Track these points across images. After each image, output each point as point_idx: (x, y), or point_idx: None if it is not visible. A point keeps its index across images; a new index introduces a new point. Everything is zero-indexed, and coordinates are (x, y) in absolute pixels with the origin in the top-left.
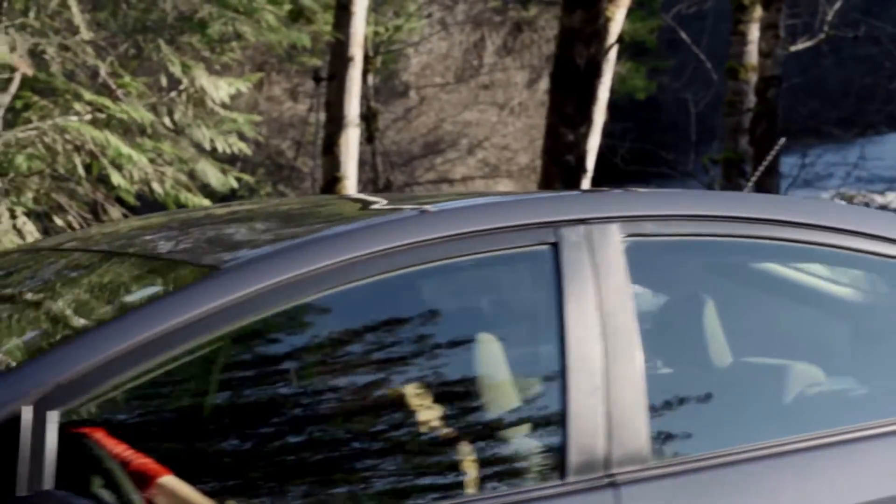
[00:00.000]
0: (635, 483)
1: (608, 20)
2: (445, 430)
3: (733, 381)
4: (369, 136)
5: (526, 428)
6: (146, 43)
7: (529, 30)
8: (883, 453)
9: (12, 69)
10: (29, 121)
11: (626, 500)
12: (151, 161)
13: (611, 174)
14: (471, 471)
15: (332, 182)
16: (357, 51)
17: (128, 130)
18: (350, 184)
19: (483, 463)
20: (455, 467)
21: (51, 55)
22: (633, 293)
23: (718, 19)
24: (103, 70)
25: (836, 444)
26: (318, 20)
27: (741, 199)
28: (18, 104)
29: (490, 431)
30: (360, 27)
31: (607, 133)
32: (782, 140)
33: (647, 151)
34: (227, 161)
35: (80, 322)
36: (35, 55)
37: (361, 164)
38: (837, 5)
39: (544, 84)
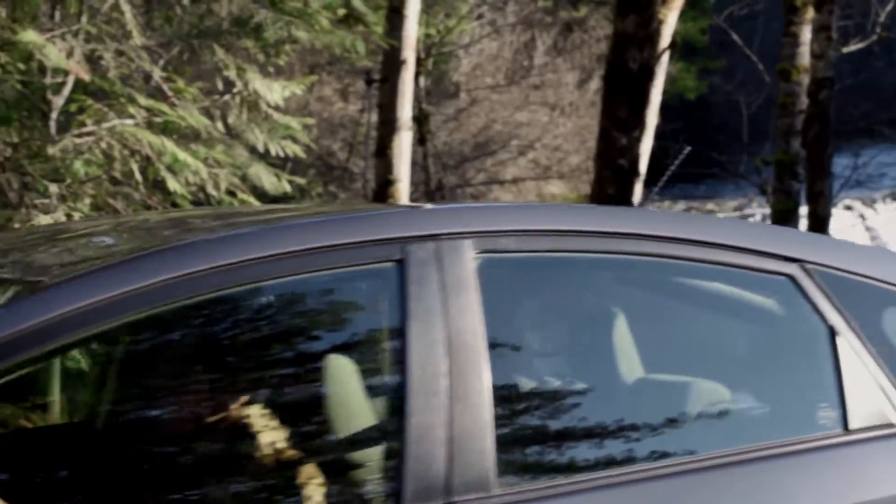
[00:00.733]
0: None
1: (661, 23)
2: (288, 452)
3: (598, 403)
4: (421, 138)
5: (366, 452)
6: (201, 49)
7: (580, 30)
8: (776, 476)
9: (66, 73)
10: (83, 124)
11: None
12: (206, 165)
13: (661, 175)
14: (314, 494)
15: (384, 185)
16: (409, 54)
17: (183, 136)
18: (402, 187)
19: (324, 486)
20: (297, 490)
21: (107, 60)
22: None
23: (770, 20)
24: (157, 74)
25: (718, 466)
26: (370, 21)
27: (604, 214)
28: (73, 108)
29: (331, 454)
30: (412, 30)
31: (657, 134)
32: (687, 149)
33: (699, 153)
34: (279, 162)
35: None
36: (91, 60)
37: (413, 165)
38: (889, 6)
39: (595, 84)
